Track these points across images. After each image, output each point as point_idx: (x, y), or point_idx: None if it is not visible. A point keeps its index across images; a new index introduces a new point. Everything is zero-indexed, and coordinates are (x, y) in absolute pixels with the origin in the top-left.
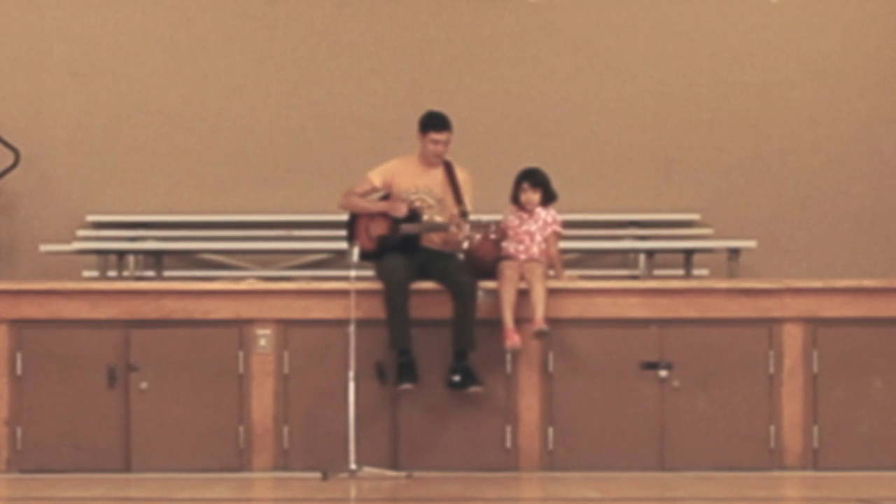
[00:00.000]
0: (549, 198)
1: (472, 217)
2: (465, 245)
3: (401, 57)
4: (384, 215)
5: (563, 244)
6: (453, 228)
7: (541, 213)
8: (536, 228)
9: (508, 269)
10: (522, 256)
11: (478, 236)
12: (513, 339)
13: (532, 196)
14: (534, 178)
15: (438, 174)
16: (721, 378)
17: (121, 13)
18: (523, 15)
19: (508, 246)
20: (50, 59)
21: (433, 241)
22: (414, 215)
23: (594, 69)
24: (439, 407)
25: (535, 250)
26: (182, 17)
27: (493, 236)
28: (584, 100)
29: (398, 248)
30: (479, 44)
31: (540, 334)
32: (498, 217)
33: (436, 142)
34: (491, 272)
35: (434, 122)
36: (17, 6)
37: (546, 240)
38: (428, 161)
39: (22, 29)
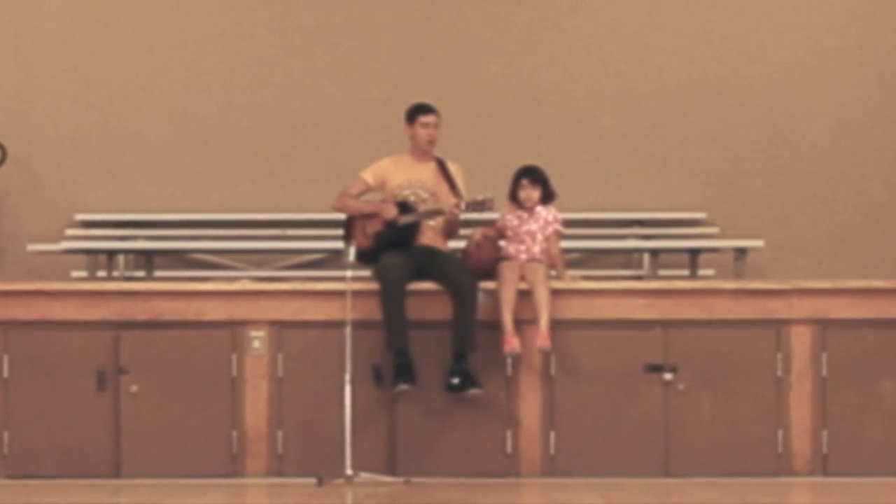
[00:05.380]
0: (548, 196)
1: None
2: (463, 215)
3: (397, 54)
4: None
5: (565, 244)
6: (450, 209)
7: (541, 212)
8: (537, 228)
9: (508, 270)
10: (523, 257)
11: (478, 235)
12: (511, 345)
13: (532, 193)
14: (533, 174)
15: (430, 168)
16: (727, 381)
17: (111, 10)
18: (524, 10)
19: (508, 246)
20: (39, 56)
21: (429, 235)
22: (407, 207)
23: (598, 65)
24: (438, 411)
25: (536, 250)
26: (173, 14)
27: (488, 210)
28: (588, 96)
29: (395, 243)
30: (478, 40)
31: (542, 351)
32: (497, 216)
33: (426, 125)
34: (490, 273)
35: (420, 107)
36: (5, 2)
37: (547, 239)
38: (420, 151)
39: (10, 25)
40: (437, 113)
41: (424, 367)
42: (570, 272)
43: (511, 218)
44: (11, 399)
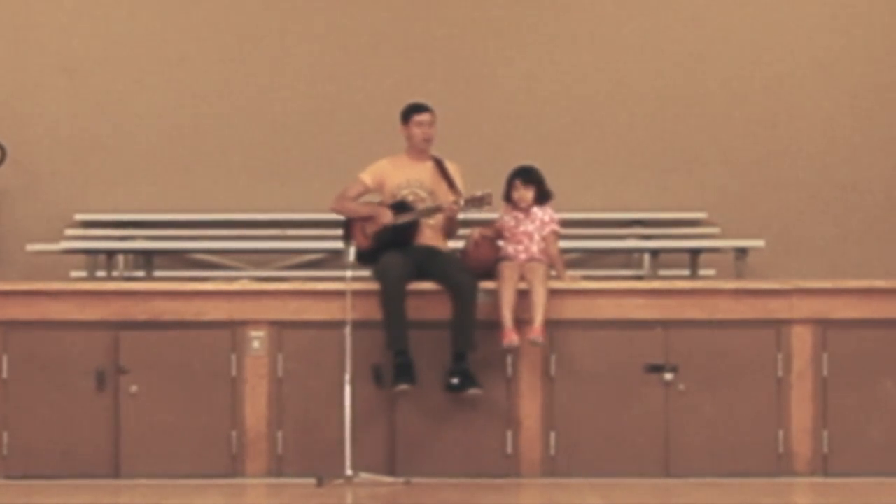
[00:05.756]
0: (543, 196)
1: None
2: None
3: (397, 54)
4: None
5: (566, 244)
6: (448, 205)
7: (537, 212)
8: (534, 228)
9: (507, 269)
10: (522, 256)
11: (476, 235)
12: (510, 338)
13: (524, 193)
14: (526, 175)
15: (428, 167)
16: (728, 381)
17: (110, 9)
18: (524, 8)
19: (507, 247)
20: (38, 55)
21: (428, 235)
22: (405, 206)
23: (598, 64)
24: (438, 411)
25: (534, 249)
26: (172, 14)
27: (487, 206)
28: (588, 95)
29: (395, 242)
30: (477, 39)
31: (533, 344)
32: (496, 215)
33: (420, 124)
34: (489, 273)
35: (414, 107)
36: (5, 2)
37: (545, 239)
38: (417, 151)
39: (9, 24)
40: (431, 111)
41: (424, 367)
42: (570, 272)
43: (508, 219)
44: (11, 399)
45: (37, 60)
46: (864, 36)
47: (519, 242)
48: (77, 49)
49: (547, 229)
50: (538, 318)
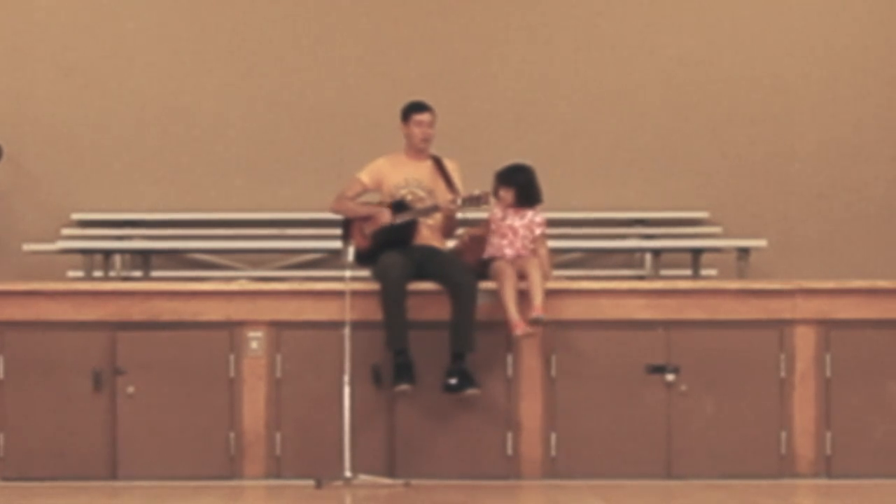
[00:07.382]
0: (526, 198)
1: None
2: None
3: (396, 53)
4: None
5: (567, 244)
6: (446, 205)
7: (528, 213)
8: (520, 225)
9: (504, 266)
10: (508, 251)
11: (466, 237)
12: (521, 327)
13: (503, 194)
14: (504, 177)
15: (427, 166)
16: (730, 382)
17: (108, 7)
18: (524, 7)
19: (492, 239)
20: (35, 54)
21: (426, 234)
22: (404, 206)
23: (600, 63)
24: (438, 412)
25: (518, 244)
26: (170, 12)
27: (484, 205)
28: (589, 95)
29: (393, 242)
30: (479, 40)
31: (536, 321)
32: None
33: (420, 123)
34: (481, 273)
35: (414, 106)
36: (3, 2)
37: (534, 241)
38: (415, 150)
39: (6, 23)
40: (431, 111)
41: (424, 368)
42: (568, 272)
43: (497, 211)
44: (7, 400)
45: (34, 60)
46: (866, 35)
47: (503, 236)
48: (74, 47)
49: (538, 231)
50: (538, 297)
